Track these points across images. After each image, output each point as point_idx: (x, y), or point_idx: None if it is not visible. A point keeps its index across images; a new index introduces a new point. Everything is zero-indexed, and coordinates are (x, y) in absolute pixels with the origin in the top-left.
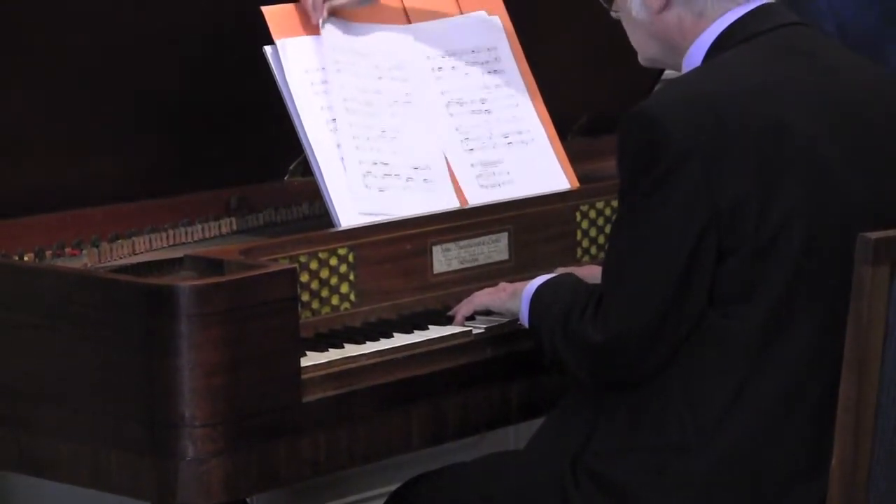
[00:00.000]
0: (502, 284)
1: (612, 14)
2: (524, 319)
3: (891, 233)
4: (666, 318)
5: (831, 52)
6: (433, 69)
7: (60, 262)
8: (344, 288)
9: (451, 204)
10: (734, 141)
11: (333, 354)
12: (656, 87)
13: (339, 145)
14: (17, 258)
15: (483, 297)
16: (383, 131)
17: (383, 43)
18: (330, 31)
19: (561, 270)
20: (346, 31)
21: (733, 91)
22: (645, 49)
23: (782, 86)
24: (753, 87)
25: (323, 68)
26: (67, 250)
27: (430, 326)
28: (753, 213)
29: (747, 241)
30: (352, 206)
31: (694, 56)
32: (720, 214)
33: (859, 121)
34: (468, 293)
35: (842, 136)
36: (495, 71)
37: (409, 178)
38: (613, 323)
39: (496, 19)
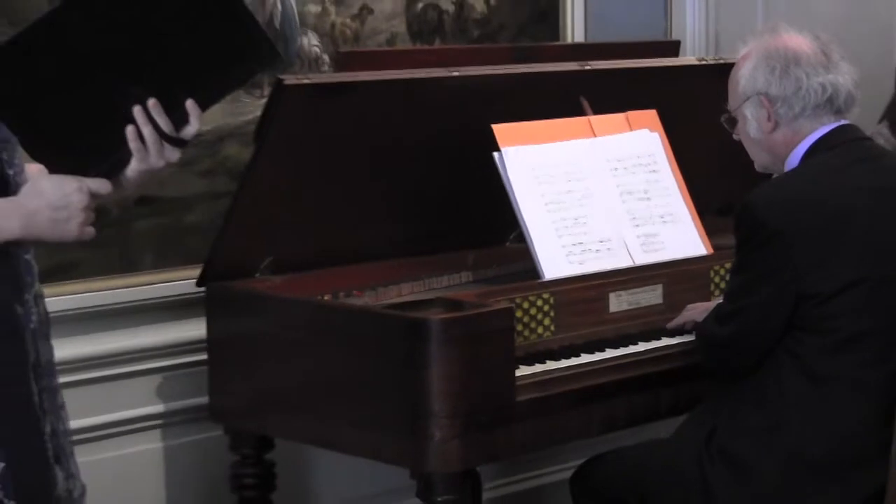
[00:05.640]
0: (701, 304)
1: (734, 136)
2: None
3: None
4: (755, 332)
5: (890, 159)
6: (611, 169)
7: (349, 301)
8: (546, 321)
9: (626, 263)
10: (813, 223)
11: (538, 368)
12: (763, 183)
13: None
14: (319, 297)
15: (691, 314)
16: (576, 220)
17: (571, 154)
18: (531, 155)
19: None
20: (541, 153)
21: (816, 188)
22: (759, 160)
23: (852, 182)
24: (830, 184)
25: (532, 178)
26: (355, 292)
27: (606, 349)
28: (827, 273)
29: (823, 291)
30: (558, 274)
31: (792, 161)
32: (800, 273)
33: None
34: (635, 327)
35: None
36: (654, 170)
37: (597, 250)
38: (726, 327)
39: (656, 134)
